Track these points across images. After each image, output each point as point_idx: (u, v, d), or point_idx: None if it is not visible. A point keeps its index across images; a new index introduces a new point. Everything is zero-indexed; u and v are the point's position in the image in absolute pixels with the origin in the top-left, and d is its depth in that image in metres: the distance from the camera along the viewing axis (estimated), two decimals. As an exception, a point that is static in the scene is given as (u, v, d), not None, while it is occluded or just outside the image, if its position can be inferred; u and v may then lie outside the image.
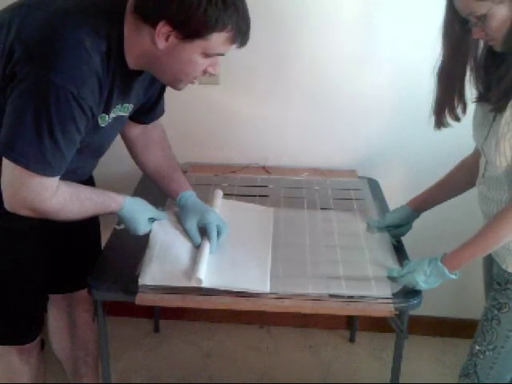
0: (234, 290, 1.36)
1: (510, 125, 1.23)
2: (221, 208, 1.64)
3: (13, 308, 1.47)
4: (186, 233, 1.49)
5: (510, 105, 1.22)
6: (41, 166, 1.15)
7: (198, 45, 1.16)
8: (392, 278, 1.43)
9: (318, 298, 1.38)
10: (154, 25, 1.13)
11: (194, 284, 1.35)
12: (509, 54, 1.21)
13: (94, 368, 1.82)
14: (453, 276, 1.35)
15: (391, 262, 1.51)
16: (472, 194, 1.51)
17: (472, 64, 1.31)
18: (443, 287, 1.41)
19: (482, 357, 1.43)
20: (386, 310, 1.36)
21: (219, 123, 2.10)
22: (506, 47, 1.21)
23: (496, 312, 1.39)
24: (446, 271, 1.34)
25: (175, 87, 1.29)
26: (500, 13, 1.16)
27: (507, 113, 1.23)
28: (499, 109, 1.25)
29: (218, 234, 1.46)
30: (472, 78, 1.32)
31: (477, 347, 1.44)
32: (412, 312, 1.42)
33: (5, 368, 1.55)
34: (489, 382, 1.44)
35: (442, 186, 1.61)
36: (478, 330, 1.45)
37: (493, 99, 1.26)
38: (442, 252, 1.39)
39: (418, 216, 1.64)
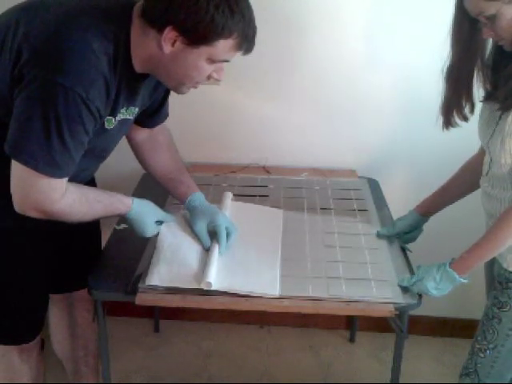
0: (244, 294, 1.36)
1: None
2: (230, 210, 1.64)
3: (13, 308, 1.47)
4: (194, 235, 1.48)
5: None
6: (50, 167, 1.15)
7: (203, 51, 1.17)
8: (403, 288, 1.42)
9: (318, 298, 1.38)
10: (160, 29, 1.14)
11: (203, 287, 1.34)
12: None
13: (95, 368, 1.82)
14: (463, 280, 1.34)
15: (396, 265, 1.52)
16: (476, 193, 1.51)
17: (479, 64, 1.31)
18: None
19: (482, 355, 1.43)
20: (386, 309, 1.36)
21: (219, 123, 2.10)
22: None
23: (497, 311, 1.39)
24: (456, 276, 1.33)
25: (178, 91, 1.29)
26: (509, 12, 1.16)
27: None
28: (506, 107, 1.25)
29: (228, 236, 1.46)
30: (480, 77, 1.33)
31: (477, 346, 1.44)
32: (412, 312, 1.42)
33: (5, 367, 1.55)
34: (489, 381, 1.44)
35: (447, 189, 1.60)
36: (479, 328, 1.45)
37: (500, 98, 1.27)
38: (447, 251, 1.39)
39: (426, 220, 1.64)
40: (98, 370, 1.78)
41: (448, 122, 1.40)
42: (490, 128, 1.33)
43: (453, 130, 1.42)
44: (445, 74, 1.35)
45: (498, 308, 1.39)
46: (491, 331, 1.40)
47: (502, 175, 1.33)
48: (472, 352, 1.46)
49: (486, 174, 1.40)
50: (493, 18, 1.18)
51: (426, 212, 1.63)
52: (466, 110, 1.37)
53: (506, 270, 1.37)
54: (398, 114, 2.02)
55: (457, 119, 1.38)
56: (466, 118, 1.38)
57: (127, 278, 1.42)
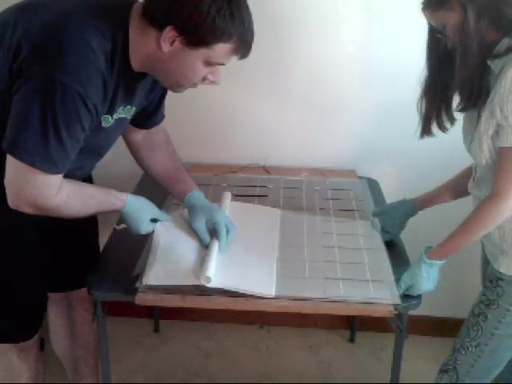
0: (240, 292, 1.36)
1: (489, 121, 1.25)
2: (229, 210, 1.64)
3: (11, 306, 1.47)
4: (191, 232, 1.48)
5: (488, 102, 1.24)
6: (46, 163, 1.15)
7: (201, 52, 1.18)
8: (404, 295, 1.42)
9: (314, 299, 1.38)
10: (161, 29, 1.15)
11: (202, 282, 1.33)
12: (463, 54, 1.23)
13: (95, 367, 1.82)
14: (443, 261, 1.37)
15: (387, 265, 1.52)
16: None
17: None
18: (443, 287, 1.42)
19: (463, 353, 1.43)
20: (386, 309, 1.36)
21: (219, 123, 2.10)
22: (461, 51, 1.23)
23: (484, 308, 1.39)
24: (438, 261, 1.36)
25: (174, 90, 1.31)
26: (452, 20, 1.21)
27: (486, 111, 1.25)
28: (465, 106, 1.29)
29: (227, 233, 1.46)
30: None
31: (460, 343, 1.44)
32: (412, 312, 1.42)
33: (4, 367, 1.55)
34: (468, 381, 1.43)
35: (446, 188, 1.61)
36: (464, 325, 1.45)
37: (463, 99, 1.30)
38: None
39: (415, 212, 1.65)
40: (98, 369, 1.78)
41: (425, 132, 1.44)
42: (470, 134, 1.35)
43: (452, 130, 1.42)
44: (421, 86, 1.39)
45: (486, 305, 1.39)
46: (475, 328, 1.40)
47: (487, 177, 1.34)
48: (453, 349, 1.46)
49: (474, 180, 1.42)
50: (443, 27, 1.24)
51: (422, 203, 1.64)
52: (446, 122, 1.40)
53: (496, 270, 1.38)
54: (397, 114, 2.02)
55: (435, 130, 1.42)
56: (445, 129, 1.41)
57: (127, 278, 1.42)
